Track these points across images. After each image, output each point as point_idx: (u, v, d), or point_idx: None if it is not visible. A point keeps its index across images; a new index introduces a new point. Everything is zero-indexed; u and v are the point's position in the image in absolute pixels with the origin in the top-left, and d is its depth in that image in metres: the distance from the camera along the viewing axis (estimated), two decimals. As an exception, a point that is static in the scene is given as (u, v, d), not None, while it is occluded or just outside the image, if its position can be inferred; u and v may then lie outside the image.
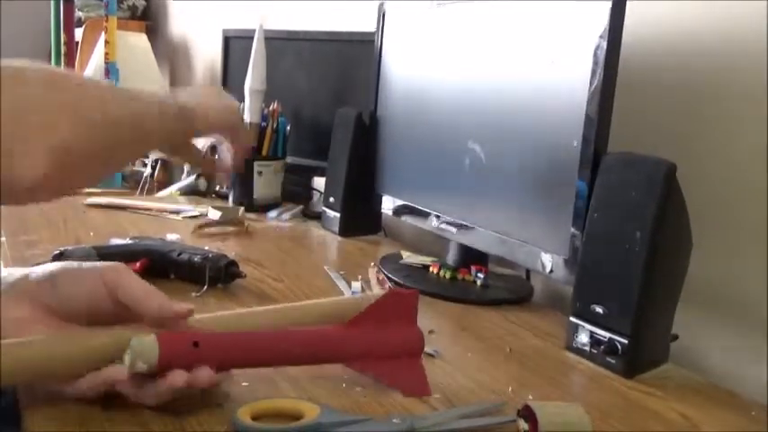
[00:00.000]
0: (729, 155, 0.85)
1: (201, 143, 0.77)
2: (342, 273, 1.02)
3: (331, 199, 1.29)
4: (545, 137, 0.86)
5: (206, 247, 1.00)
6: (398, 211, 1.17)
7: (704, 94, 0.88)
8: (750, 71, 0.82)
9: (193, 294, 0.87)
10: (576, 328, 0.78)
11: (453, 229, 1.02)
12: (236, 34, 1.69)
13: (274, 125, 1.44)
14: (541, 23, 0.87)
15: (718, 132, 0.87)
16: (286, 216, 1.42)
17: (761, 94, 0.81)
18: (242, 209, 1.42)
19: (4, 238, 1.08)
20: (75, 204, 1.37)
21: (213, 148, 0.82)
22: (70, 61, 2.54)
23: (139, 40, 2.82)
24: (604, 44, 0.77)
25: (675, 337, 0.79)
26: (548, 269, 0.85)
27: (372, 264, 1.08)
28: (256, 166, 1.43)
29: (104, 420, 0.54)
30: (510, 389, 0.68)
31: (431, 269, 1.05)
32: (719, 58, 0.86)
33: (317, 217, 1.38)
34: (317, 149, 1.46)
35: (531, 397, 0.66)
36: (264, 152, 1.44)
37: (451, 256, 1.06)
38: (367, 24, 1.35)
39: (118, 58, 2.46)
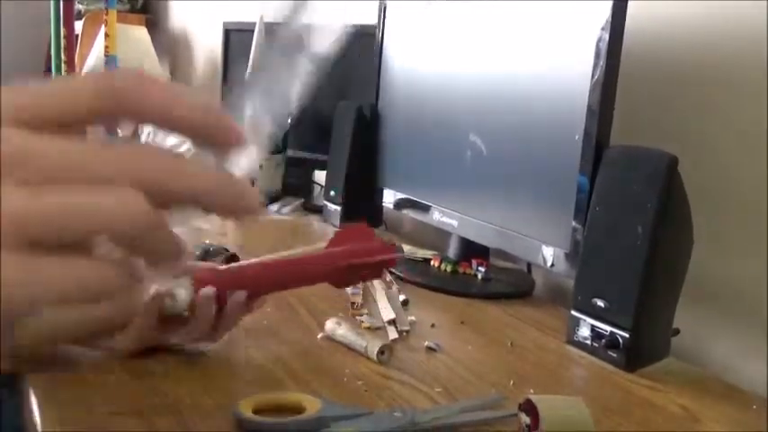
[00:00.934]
0: (731, 148, 0.85)
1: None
2: (343, 266, 1.02)
3: (332, 192, 1.29)
4: (547, 130, 0.86)
5: (207, 241, 1.00)
6: (399, 205, 1.17)
7: (707, 88, 0.87)
8: (753, 64, 0.82)
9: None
10: (577, 321, 0.78)
11: (454, 223, 1.02)
12: (237, 27, 1.68)
13: (275, 118, 1.44)
14: (543, 16, 0.87)
15: (720, 126, 0.86)
16: (287, 209, 1.42)
17: (763, 88, 0.81)
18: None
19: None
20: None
21: (232, 257, 0.86)
22: (70, 54, 2.53)
23: (140, 34, 2.82)
24: (606, 36, 0.77)
25: (677, 331, 0.79)
26: (549, 263, 0.85)
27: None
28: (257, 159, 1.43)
29: (108, 417, 0.54)
30: (511, 383, 0.68)
31: (432, 263, 1.05)
32: (722, 51, 0.86)
33: (318, 210, 1.38)
34: (318, 143, 1.45)
35: (532, 391, 0.66)
36: (265, 146, 1.44)
37: (452, 250, 1.06)
38: (368, 17, 1.35)
39: (118, 52, 2.44)
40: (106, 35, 2.42)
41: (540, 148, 0.87)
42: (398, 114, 1.17)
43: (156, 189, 0.26)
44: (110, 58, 2.41)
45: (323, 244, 0.70)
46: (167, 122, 0.28)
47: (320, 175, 1.51)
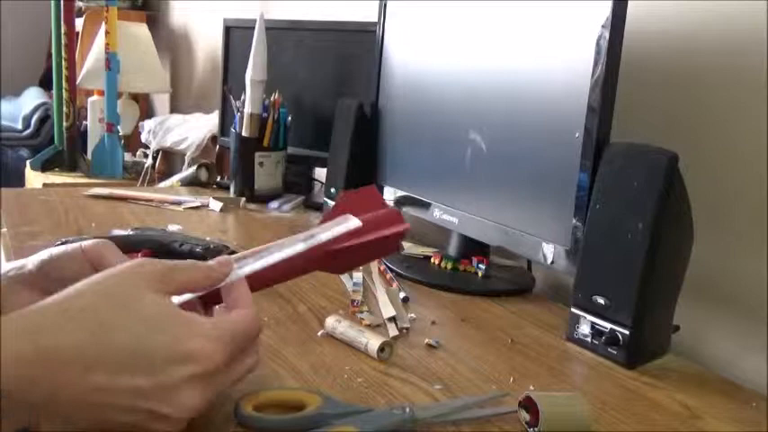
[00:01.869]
0: (731, 146, 0.85)
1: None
2: (343, 263, 1.02)
3: (332, 189, 1.29)
4: (547, 127, 0.86)
5: (207, 238, 1.01)
6: (400, 202, 1.17)
7: (707, 85, 0.87)
8: (753, 62, 0.82)
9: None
10: (577, 318, 0.78)
11: (455, 220, 1.02)
12: (237, 24, 1.68)
13: (275, 116, 1.44)
14: (544, 13, 0.87)
15: (720, 123, 0.86)
16: (287, 207, 1.42)
17: (763, 85, 0.80)
18: (243, 199, 1.42)
19: (5, 229, 1.08)
20: (76, 195, 1.37)
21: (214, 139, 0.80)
22: (71, 52, 2.53)
23: (140, 30, 2.81)
24: (607, 34, 0.77)
25: (677, 328, 0.79)
26: (549, 260, 0.85)
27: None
28: (257, 156, 1.43)
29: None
30: (511, 379, 0.68)
31: (432, 260, 1.05)
32: (723, 49, 0.85)
33: (319, 207, 1.38)
34: (318, 140, 1.45)
35: (532, 387, 0.66)
36: (265, 143, 1.44)
37: (453, 247, 1.06)
38: (368, 14, 1.35)
39: (119, 49, 2.45)
40: (107, 32, 2.42)
41: (540, 146, 0.87)
42: (399, 112, 1.17)
43: None
44: (110, 55, 2.41)
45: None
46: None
47: (320, 173, 1.51)
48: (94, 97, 2.69)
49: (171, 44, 3.26)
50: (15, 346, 0.42)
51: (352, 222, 0.61)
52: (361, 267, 0.99)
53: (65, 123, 2.53)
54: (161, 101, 3.36)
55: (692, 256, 0.76)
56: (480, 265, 1.00)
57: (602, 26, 0.77)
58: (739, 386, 0.72)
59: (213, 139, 2.21)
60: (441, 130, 1.05)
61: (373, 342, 0.70)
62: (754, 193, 0.82)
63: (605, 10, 0.77)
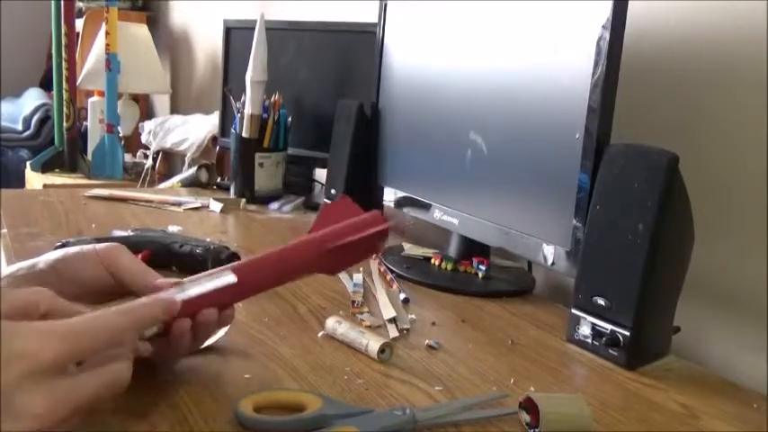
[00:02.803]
0: (732, 147, 0.85)
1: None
2: (343, 264, 1.02)
3: (332, 190, 1.29)
4: (547, 128, 0.86)
5: (208, 239, 1.01)
6: (400, 203, 1.17)
7: (707, 86, 0.87)
8: (753, 63, 0.82)
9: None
10: (577, 320, 0.78)
11: (455, 221, 1.02)
12: (237, 25, 1.68)
13: (275, 116, 1.44)
14: (544, 14, 0.87)
15: (721, 124, 0.86)
16: (287, 208, 1.42)
17: (763, 86, 0.80)
18: (243, 200, 1.42)
19: (5, 230, 1.08)
20: (76, 196, 1.37)
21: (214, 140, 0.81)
22: (71, 53, 2.53)
23: (140, 31, 2.81)
24: (607, 35, 0.77)
25: (677, 330, 0.79)
26: (549, 261, 0.85)
27: (374, 255, 1.08)
28: (258, 157, 1.43)
29: (108, 416, 0.54)
30: (512, 381, 0.68)
31: (432, 261, 1.05)
32: (723, 50, 0.85)
33: (319, 208, 1.38)
34: (318, 141, 1.45)
35: (532, 389, 0.66)
36: (266, 144, 1.44)
37: (453, 248, 1.06)
38: (369, 15, 1.35)
39: (119, 49, 2.45)
40: (107, 33, 2.43)
41: (540, 147, 0.87)
42: (399, 113, 1.17)
43: None
44: (110, 56, 2.41)
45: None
46: None
47: (321, 174, 1.51)
48: (95, 98, 2.70)
49: (171, 45, 3.26)
50: None
51: (228, 278, 0.60)
52: (361, 268, 0.99)
53: (65, 124, 2.53)
54: (161, 102, 3.36)
55: (692, 257, 0.76)
56: (480, 267, 1.00)
57: (603, 27, 0.77)
58: (740, 387, 0.72)
59: (213, 139, 2.21)
60: (441, 130, 1.05)
61: (373, 343, 0.70)
62: (754, 195, 0.82)
63: (605, 11, 0.77)
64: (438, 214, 1.06)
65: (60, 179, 2.44)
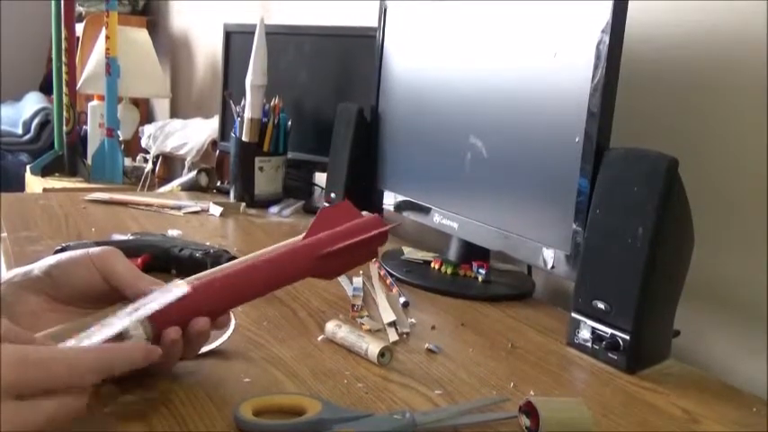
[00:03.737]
0: (731, 150, 0.85)
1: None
2: (343, 268, 1.02)
3: (332, 194, 1.29)
4: (547, 132, 0.86)
5: (207, 243, 1.01)
6: (400, 207, 1.17)
7: (707, 89, 0.88)
8: (752, 67, 0.82)
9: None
10: (577, 323, 0.78)
11: (455, 225, 1.02)
12: (237, 29, 1.68)
13: (275, 120, 1.44)
14: (543, 18, 0.87)
15: (720, 127, 0.86)
16: (287, 211, 1.42)
17: (762, 90, 0.81)
18: (243, 204, 1.42)
19: (5, 234, 1.08)
20: (75, 200, 1.37)
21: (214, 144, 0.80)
22: (71, 57, 2.54)
23: (140, 35, 2.82)
24: (607, 39, 0.77)
25: (677, 333, 0.79)
26: (549, 265, 0.85)
27: (374, 259, 1.08)
28: (257, 161, 1.43)
29: (108, 418, 0.54)
30: (512, 384, 0.68)
31: (432, 265, 1.05)
32: (722, 53, 0.86)
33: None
34: (318, 145, 1.45)
35: (532, 393, 0.66)
36: (265, 147, 1.44)
37: (453, 252, 1.06)
38: (368, 19, 1.35)
39: (119, 54, 2.45)
40: (107, 37, 2.43)
41: (540, 151, 0.87)
42: (399, 116, 1.17)
43: None
44: (110, 60, 2.41)
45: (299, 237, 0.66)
46: None
47: (320, 177, 1.51)
48: (95, 102, 2.70)
49: (171, 49, 3.27)
50: None
51: (179, 290, 0.59)
52: (361, 272, 0.99)
53: (65, 128, 2.53)
54: (161, 105, 3.36)
55: (692, 260, 0.76)
56: (480, 270, 1.00)
57: (602, 31, 0.77)
58: (740, 391, 0.72)
59: (213, 143, 2.21)
60: (441, 134, 1.05)
61: (373, 347, 0.70)
62: (753, 198, 0.82)
63: (605, 15, 0.77)
64: (438, 218, 1.06)
65: (60, 183, 2.44)
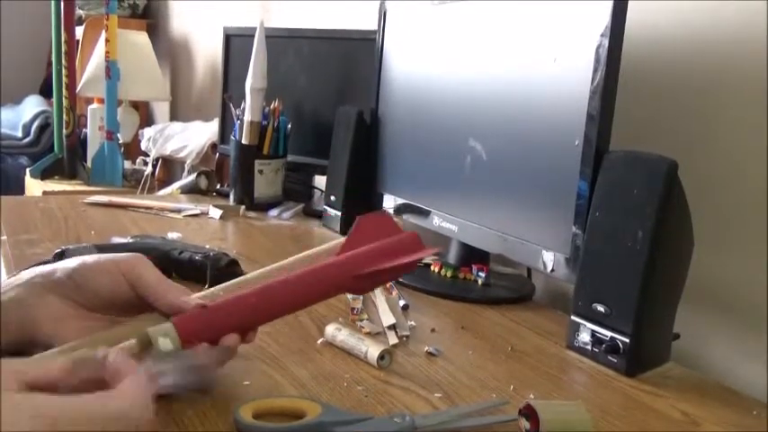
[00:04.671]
0: (730, 154, 0.85)
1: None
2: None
3: (332, 197, 1.29)
4: (546, 135, 0.86)
5: (207, 246, 1.00)
6: (399, 210, 1.17)
7: (706, 93, 0.88)
8: (752, 70, 0.82)
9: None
10: (577, 326, 0.78)
11: (454, 228, 1.02)
12: (237, 32, 1.68)
13: (275, 123, 1.44)
14: (543, 22, 0.87)
15: (719, 131, 0.87)
16: (287, 214, 1.42)
17: (762, 92, 0.81)
18: (243, 207, 1.42)
19: (5, 237, 1.08)
20: (75, 203, 1.37)
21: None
22: (71, 60, 2.54)
23: (140, 38, 2.82)
24: (606, 42, 0.77)
25: (677, 336, 0.79)
26: (549, 268, 0.85)
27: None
28: (257, 164, 1.43)
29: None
30: (511, 387, 0.68)
31: (432, 268, 1.05)
32: (722, 56, 0.86)
33: (318, 215, 1.38)
34: (318, 148, 1.45)
35: (532, 396, 0.66)
36: (265, 150, 1.44)
37: (453, 255, 1.06)
38: (368, 22, 1.35)
39: (119, 57, 2.46)
40: (107, 40, 2.43)
41: (539, 154, 0.87)
42: (398, 119, 1.18)
43: None
44: (110, 63, 2.41)
45: (333, 243, 0.65)
46: None
47: (320, 180, 1.51)
48: (94, 105, 2.70)
49: (171, 52, 3.27)
50: None
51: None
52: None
53: (65, 131, 2.53)
54: (161, 109, 3.37)
55: (691, 263, 0.76)
56: (480, 273, 1.00)
57: (602, 35, 0.77)
58: (740, 394, 0.72)
59: (213, 146, 2.21)
60: (440, 137, 1.05)
61: (373, 350, 0.70)
62: (753, 201, 0.82)
63: (604, 18, 0.77)
64: (437, 221, 1.06)
65: (60, 186, 2.44)
